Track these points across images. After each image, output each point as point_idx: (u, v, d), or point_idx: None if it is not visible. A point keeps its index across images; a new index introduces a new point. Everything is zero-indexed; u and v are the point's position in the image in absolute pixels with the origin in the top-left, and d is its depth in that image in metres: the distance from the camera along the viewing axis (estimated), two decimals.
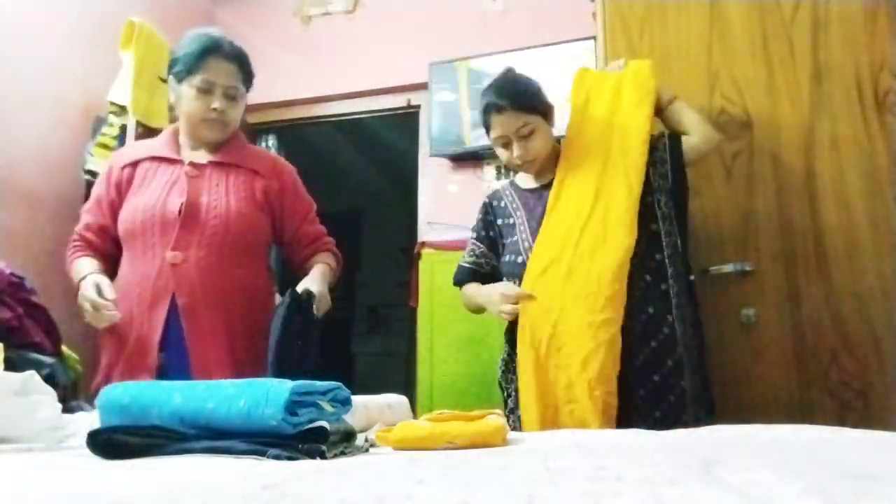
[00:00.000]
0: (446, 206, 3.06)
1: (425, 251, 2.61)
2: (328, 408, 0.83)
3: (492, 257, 1.81)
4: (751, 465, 0.50)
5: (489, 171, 3.06)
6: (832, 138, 1.91)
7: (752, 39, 2.02)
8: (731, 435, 0.93)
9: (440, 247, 2.59)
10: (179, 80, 1.72)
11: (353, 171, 5.45)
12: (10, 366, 1.30)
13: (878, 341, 1.79)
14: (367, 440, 0.92)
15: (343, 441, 0.84)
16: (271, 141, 3.60)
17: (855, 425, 1.53)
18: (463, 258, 1.86)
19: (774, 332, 1.87)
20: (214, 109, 1.69)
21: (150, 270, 1.62)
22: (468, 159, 3.07)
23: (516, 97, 1.65)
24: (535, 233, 1.68)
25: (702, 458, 0.53)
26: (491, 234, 1.82)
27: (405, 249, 4.52)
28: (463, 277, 1.83)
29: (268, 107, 3.49)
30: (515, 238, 1.72)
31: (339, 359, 5.47)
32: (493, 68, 2.97)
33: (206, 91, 1.69)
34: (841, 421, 1.72)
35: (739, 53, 2.03)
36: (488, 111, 1.67)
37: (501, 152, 1.72)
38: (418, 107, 3.28)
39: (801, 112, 1.95)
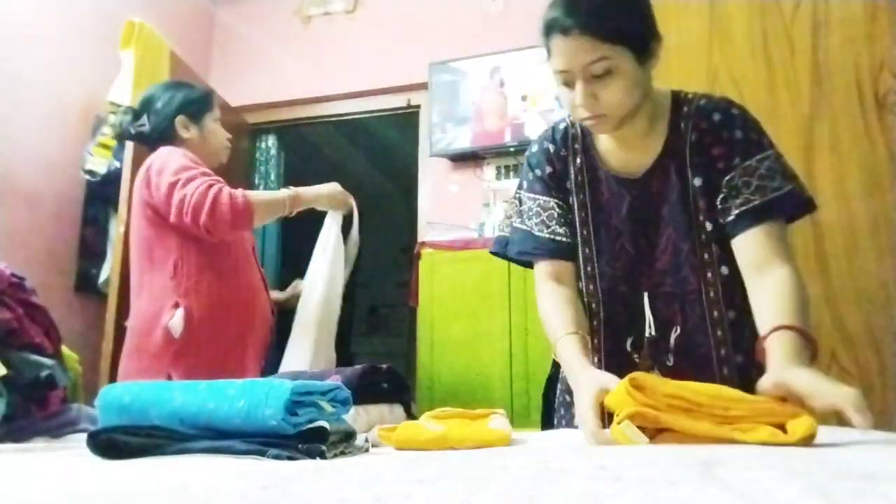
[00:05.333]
0: (446, 206, 3.07)
1: (425, 251, 2.61)
2: (328, 408, 0.83)
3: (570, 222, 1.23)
4: (751, 465, 0.50)
5: (489, 171, 3.06)
6: (832, 138, 1.91)
7: (752, 39, 2.02)
8: None
9: (440, 247, 2.60)
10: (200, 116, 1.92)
11: (353, 171, 5.45)
12: (10, 367, 1.29)
13: (878, 341, 1.79)
14: (367, 440, 0.92)
15: (343, 441, 0.84)
16: (271, 141, 3.59)
17: None
18: (521, 222, 1.24)
19: None
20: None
21: (258, 282, 1.91)
22: (468, 159, 3.07)
23: (591, 15, 1.05)
24: (606, 252, 1.20)
25: (702, 458, 0.53)
26: (562, 195, 1.23)
27: (405, 249, 4.52)
28: (536, 249, 1.22)
29: (268, 107, 3.50)
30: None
31: (339, 359, 5.47)
32: (493, 69, 2.98)
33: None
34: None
35: (739, 53, 2.03)
36: (550, 32, 1.08)
37: (565, 93, 1.11)
38: (418, 107, 3.28)
39: (801, 112, 1.95)
